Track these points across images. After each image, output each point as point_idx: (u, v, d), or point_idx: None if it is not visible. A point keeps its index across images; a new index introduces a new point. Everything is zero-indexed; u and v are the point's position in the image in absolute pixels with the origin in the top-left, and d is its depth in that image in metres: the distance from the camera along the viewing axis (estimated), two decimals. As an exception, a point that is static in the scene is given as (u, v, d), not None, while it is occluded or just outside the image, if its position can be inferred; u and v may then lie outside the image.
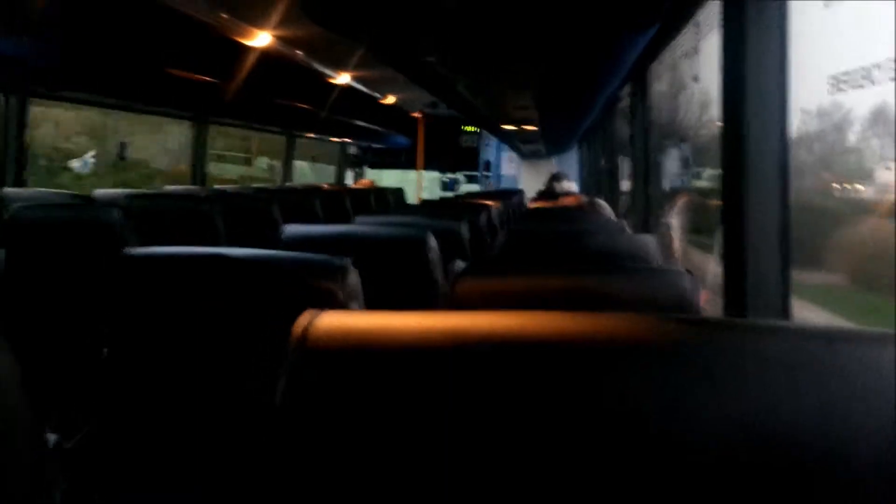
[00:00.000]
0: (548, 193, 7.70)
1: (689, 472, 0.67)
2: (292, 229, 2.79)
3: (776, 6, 2.22)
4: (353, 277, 1.84)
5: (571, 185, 8.01)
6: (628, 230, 3.59)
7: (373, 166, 16.68)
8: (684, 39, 4.19)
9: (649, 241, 2.63)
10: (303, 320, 0.75)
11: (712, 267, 4.50)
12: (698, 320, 0.79)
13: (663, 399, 0.68)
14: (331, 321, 0.75)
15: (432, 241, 2.82)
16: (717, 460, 0.66)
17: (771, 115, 2.20)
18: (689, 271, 1.81)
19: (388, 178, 16.15)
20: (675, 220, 5.76)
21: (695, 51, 3.99)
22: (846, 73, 2.02)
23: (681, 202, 5.89)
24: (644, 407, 0.68)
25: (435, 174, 16.90)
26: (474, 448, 0.69)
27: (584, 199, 5.63)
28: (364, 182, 13.02)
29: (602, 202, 5.35)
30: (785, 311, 2.22)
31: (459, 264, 1.76)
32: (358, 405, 0.70)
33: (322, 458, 0.70)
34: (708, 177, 6.01)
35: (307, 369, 0.72)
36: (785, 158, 2.20)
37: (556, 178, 8.04)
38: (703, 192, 5.86)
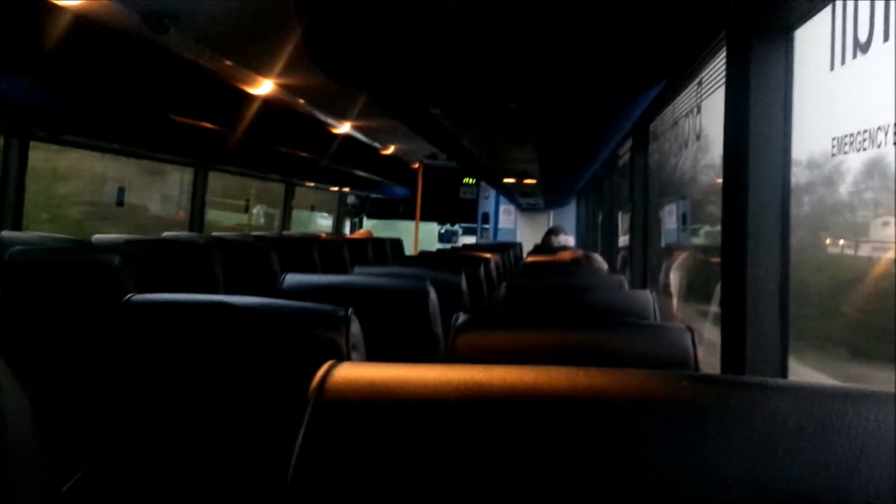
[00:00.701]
0: (545, 247, 7.72)
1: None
2: (292, 278, 2.79)
3: (780, 66, 2.25)
4: (356, 328, 1.85)
5: (569, 240, 8.02)
6: (626, 286, 3.60)
7: (371, 216, 16.73)
8: (686, 98, 4.23)
9: (648, 296, 2.64)
10: (321, 372, 0.76)
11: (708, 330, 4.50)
12: (708, 377, 0.80)
13: (673, 456, 0.68)
14: (348, 373, 0.76)
15: (432, 293, 2.82)
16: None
17: (773, 173, 2.23)
18: (688, 328, 1.82)
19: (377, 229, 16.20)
20: (672, 277, 5.77)
21: (697, 109, 4.03)
22: (850, 136, 2.04)
23: (678, 259, 5.91)
24: (648, 463, 0.68)
25: (433, 225, 16.95)
26: (487, 500, 0.69)
27: (580, 253, 5.66)
28: (361, 233, 13.04)
29: (597, 256, 5.37)
30: (783, 370, 2.22)
31: (461, 317, 1.76)
32: (376, 456, 0.71)
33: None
34: (705, 234, 6.02)
35: (326, 419, 0.73)
36: (786, 216, 2.22)
37: (553, 231, 8.05)
38: (701, 249, 5.87)
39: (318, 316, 1.86)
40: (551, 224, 14.43)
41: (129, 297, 1.95)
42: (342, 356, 1.79)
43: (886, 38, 1.90)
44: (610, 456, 0.69)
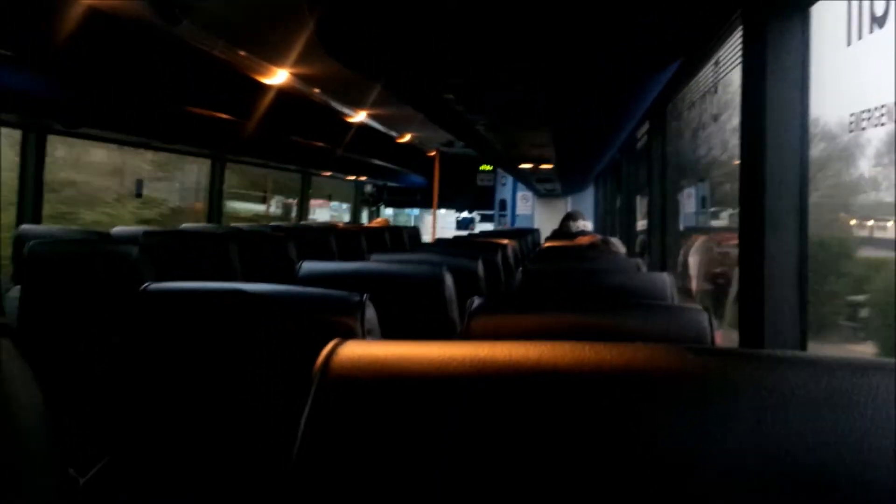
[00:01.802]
0: (563, 232, 7.69)
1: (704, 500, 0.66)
2: (308, 266, 2.79)
3: (797, 43, 2.22)
4: (371, 313, 1.84)
5: (587, 224, 7.97)
6: (643, 268, 3.58)
7: (388, 205, 16.75)
8: (703, 78, 4.20)
9: (665, 279, 2.62)
10: (326, 349, 0.76)
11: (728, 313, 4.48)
12: (715, 350, 0.79)
13: (681, 430, 0.68)
14: (353, 350, 0.76)
15: (448, 279, 2.81)
16: (734, 491, 0.66)
17: (790, 150, 2.20)
18: (705, 309, 1.80)
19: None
20: (691, 260, 5.74)
21: (714, 89, 4.00)
22: (867, 111, 2.01)
23: (697, 243, 5.88)
24: (662, 437, 0.68)
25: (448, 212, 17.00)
26: (492, 475, 0.68)
27: (598, 237, 5.64)
28: (379, 221, 13.05)
29: (615, 241, 5.33)
30: (802, 343, 2.20)
31: (475, 301, 1.75)
32: (380, 433, 0.71)
33: (344, 485, 0.70)
34: (727, 217, 5.99)
35: (331, 397, 0.72)
36: (804, 193, 2.20)
37: (570, 216, 7.97)
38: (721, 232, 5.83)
39: (333, 302, 1.86)
40: (570, 209, 14.41)
41: (146, 286, 1.95)
42: (358, 342, 1.78)
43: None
44: (616, 429, 0.68)
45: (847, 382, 0.69)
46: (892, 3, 1.93)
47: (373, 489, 0.70)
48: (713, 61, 3.77)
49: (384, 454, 0.70)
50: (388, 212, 17.61)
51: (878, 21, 1.98)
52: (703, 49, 3.54)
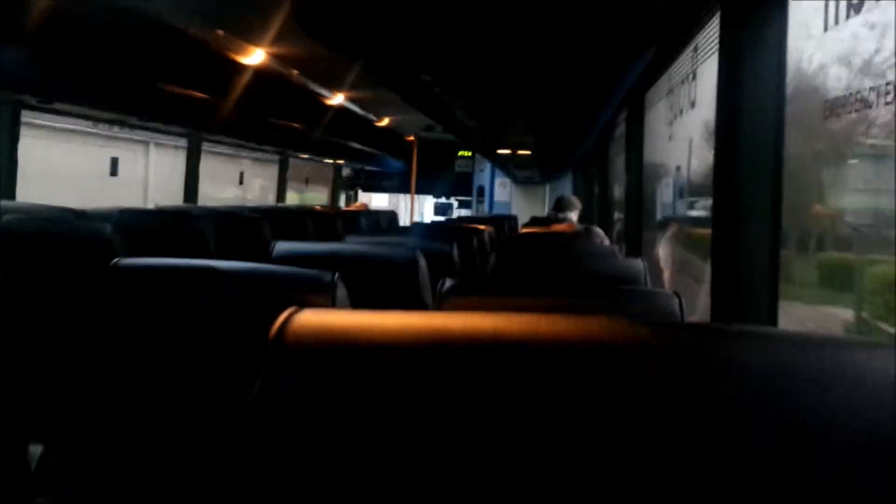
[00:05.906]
0: (540, 219, 7.59)
1: (669, 477, 0.66)
2: (282, 246, 2.78)
3: (774, 29, 2.22)
4: (342, 292, 1.83)
5: (567, 215, 7.63)
6: (619, 255, 3.59)
7: (366, 189, 16.71)
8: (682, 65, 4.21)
9: (639, 264, 2.63)
10: (282, 317, 0.75)
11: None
12: (684, 325, 0.79)
13: (647, 403, 0.67)
14: (309, 318, 0.75)
15: (422, 262, 2.80)
16: (697, 465, 0.66)
17: (766, 135, 2.21)
18: (676, 293, 1.81)
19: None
20: (661, 251, 5.75)
21: (693, 76, 4.00)
22: (840, 99, 2.02)
23: (670, 231, 5.88)
24: (628, 410, 0.67)
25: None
26: (450, 445, 0.68)
27: (578, 226, 5.60)
28: (358, 205, 13.00)
29: (598, 230, 5.29)
30: (772, 319, 2.21)
31: (447, 282, 1.74)
32: (334, 401, 0.70)
33: (297, 454, 0.69)
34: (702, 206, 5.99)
35: (284, 365, 0.72)
36: (778, 166, 2.20)
37: (559, 203, 7.32)
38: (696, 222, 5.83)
39: (305, 280, 1.85)
40: (547, 197, 14.38)
41: (117, 262, 1.94)
42: (328, 321, 1.78)
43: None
44: (584, 401, 0.68)
45: (814, 357, 0.69)
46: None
47: (324, 459, 0.69)
48: (692, 47, 3.77)
49: (336, 423, 0.69)
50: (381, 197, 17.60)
51: (855, 7, 1.98)
52: (681, 35, 3.54)
